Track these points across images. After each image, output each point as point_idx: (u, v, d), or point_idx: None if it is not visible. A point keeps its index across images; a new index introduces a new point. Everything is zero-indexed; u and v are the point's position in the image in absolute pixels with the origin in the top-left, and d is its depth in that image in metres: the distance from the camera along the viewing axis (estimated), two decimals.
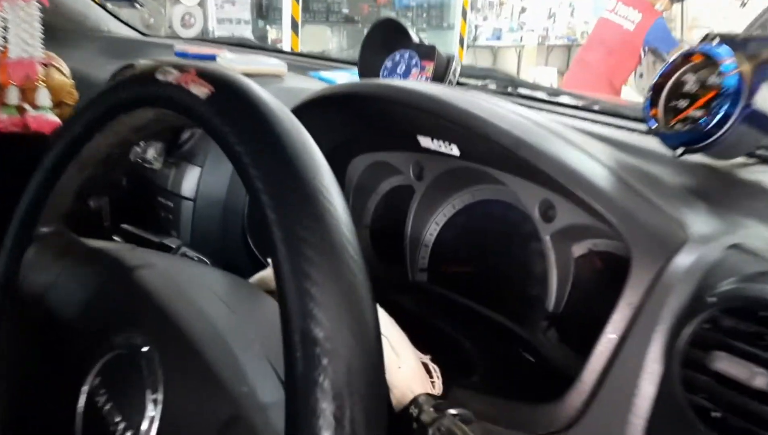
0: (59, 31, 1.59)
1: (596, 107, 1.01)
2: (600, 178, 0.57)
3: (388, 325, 0.60)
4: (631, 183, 0.57)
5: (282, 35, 4.67)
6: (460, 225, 0.86)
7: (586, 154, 0.60)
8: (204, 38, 3.71)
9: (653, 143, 0.77)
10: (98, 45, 1.53)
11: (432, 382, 0.61)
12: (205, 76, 0.47)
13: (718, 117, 0.65)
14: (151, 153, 0.89)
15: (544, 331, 0.75)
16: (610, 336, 0.52)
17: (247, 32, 4.53)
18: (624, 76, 4.16)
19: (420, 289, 0.86)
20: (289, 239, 0.39)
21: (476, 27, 7.18)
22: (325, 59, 1.49)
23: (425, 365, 0.62)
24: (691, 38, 5.28)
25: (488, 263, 0.82)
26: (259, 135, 0.43)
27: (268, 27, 5.05)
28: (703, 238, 0.54)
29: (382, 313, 0.58)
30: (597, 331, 0.70)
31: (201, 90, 0.46)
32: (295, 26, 4.59)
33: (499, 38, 7.36)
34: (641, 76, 4.37)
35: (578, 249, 0.74)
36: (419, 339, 0.69)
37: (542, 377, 0.73)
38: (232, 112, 0.44)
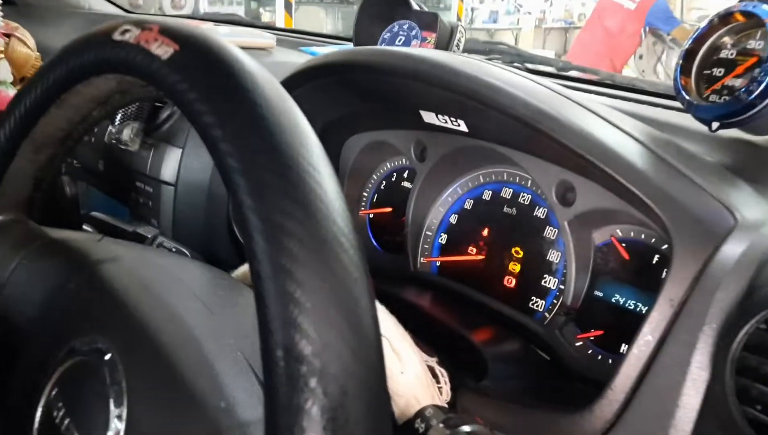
0: (35, 6, 1.50)
1: (612, 81, 0.93)
2: (632, 154, 0.49)
3: (388, 323, 0.53)
4: (667, 159, 0.50)
5: (275, 17, 4.56)
6: (468, 210, 0.79)
7: (615, 126, 0.52)
8: (192, 16, 3.61)
9: (682, 118, 0.69)
10: (76, 21, 1.44)
11: (439, 388, 0.54)
12: (169, 32, 0.39)
13: (761, 87, 0.57)
14: (127, 133, 0.81)
15: (561, 328, 0.67)
16: (647, 338, 0.45)
17: (239, 13, 4.43)
18: (625, 57, 4.08)
19: (423, 280, 0.79)
20: (268, 231, 0.31)
21: (472, 9, 7.07)
22: (318, 35, 1.40)
23: (431, 369, 0.54)
24: (691, 19, 5.19)
25: (499, 252, 0.74)
26: (232, 102, 0.35)
27: (261, 9, 4.94)
28: (754, 224, 0.47)
29: (381, 310, 0.51)
30: (622, 328, 0.64)
31: (163, 49, 0.38)
32: (288, 6, 4.49)
33: (495, 21, 7.26)
34: (641, 57, 4.29)
35: (599, 236, 0.67)
36: (423, 337, 0.62)
37: (561, 380, 0.66)
38: (199, 75, 0.36)
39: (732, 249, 0.45)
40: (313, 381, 0.29)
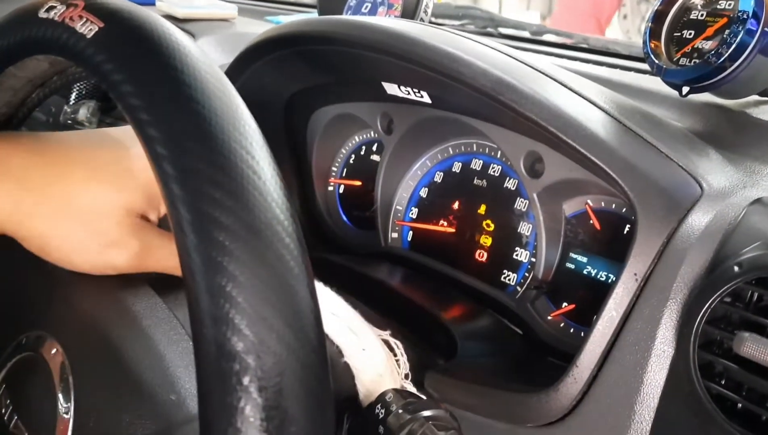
0: None
1: (587, 45, 0.90)
2: (596, 124, 0.47)
3: (338, 302, 0.51)
4: (633, 128, 0.48)
5: None
6: (438, 183, 0.77)
7: (579, 96, 0.50)
8: None
9: (653, 83, 0.67)
10: None
11: (396, 361, 0.53)
12: (94, 9, 0.36)
13: (731, 48, 0.55)
14: (83, 113, 0.78)
15: (533, 301, 0.66)
16: (611, 313, 0.44)
17: None
18: (610, 14, 4.00)
19: (394, 256, 0.77)
20: (197, 221, 0.29)
21: None
22: (283, 3, 1.35)
23: (386, 343, 0.53)
24: None
25: (470, 225, 0.73)
26: (159, 83, 0.32)
27: None
28: (720, 193, 0.45)
29: (329, 291, 0.50)
30: (593, 301, 0.63)
31: (88, 27, 0.36)
32: None
33: None
34: (625, 17, 4.22)
35: (570, 207, 0.65)
36: (390, 315, 0.61)
37: (533, 355, 0.65)
38: (125, 53, 0.33)
39: (697, 220, 0.43)
40: (246, 379, 0.27)
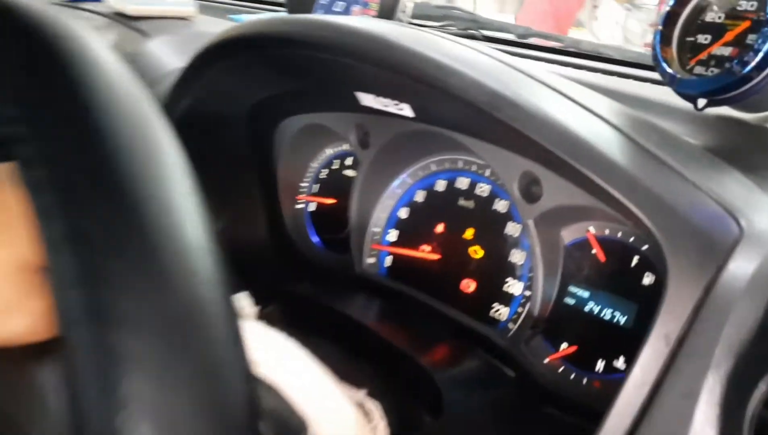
0: None
1: (577, 49, 0.83)
2: (612, 147, 0.39)
3: (301, 358, 0.43)
4: (655, 153, 0.40)
5: None
6: (419, 203, 0.68)
7: (590, 112, 0.42)
8: None
9: (659, 92, 0.60)
10: None
11: (373, 428, 0.45)
12: None
13: (759, 56, 0.48)
14: None
15: (528, 341, 0.58)
16: (636, 384, 0.36)
17: None
18: (570, 16, 3.90)
19: (370, 283, 0.69)
20: (83, 278, 0.21)
21: None
22: (248, 0, 1.26)
23: (360, 405, 0.45)
24: None
25: (455, 251, 0.65)
26: (40, 86, 0.23)
27: None
28: (764, 231, 0.37)
29: (291, 343, 0.42)
30: (598, 342, 0.55)
31: None
32: None
33: None
34: (595, 6, 4.10)
35: (569, 234, 0.57)
36: (366, 360, 0.52)
37: (529, 404, 0.57)
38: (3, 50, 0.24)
39: (741, 267, 0.35)
40: None
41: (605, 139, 0.41)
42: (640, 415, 0.36)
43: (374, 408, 0.46)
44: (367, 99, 0.58)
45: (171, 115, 0.70)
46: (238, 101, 0.70)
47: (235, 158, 0.75)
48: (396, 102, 0.56)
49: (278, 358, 0.44)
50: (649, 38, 1.59)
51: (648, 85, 0.66)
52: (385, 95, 0.56)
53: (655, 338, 0.36)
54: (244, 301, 0.50)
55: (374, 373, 0.52)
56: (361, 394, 0.47)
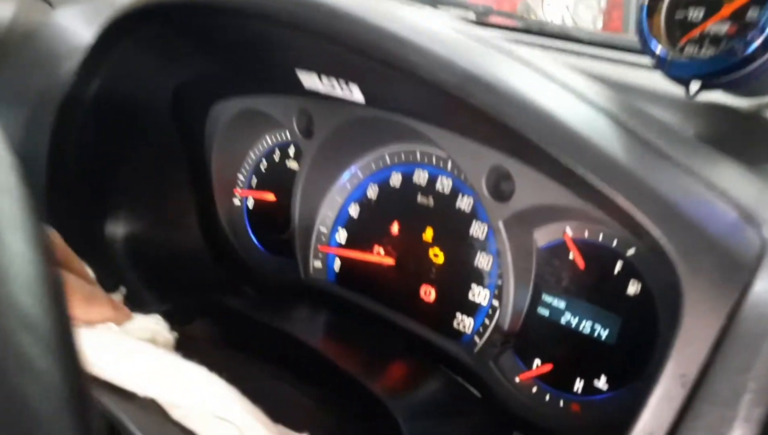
0: None
1: (543, 30, 0.76)
2: (611, 141, 0.32)
3: (230, 400, 0.35)
4: (656, 145, 0.33)
5: None
6: (372, 200, 0.60)
7: (576, 95, 0.35)
8: None
9: (641, 77, 0.53)
10: None
11: None
12: None
13: (764, 35, 0.41)
14: None
15: (496, 358, 0.51)
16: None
17: None
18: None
19: (317, 291, 0.60)
20: None
21: None
22: None
23: None
24: None
25: (413, 255, 0.57)
26: None
27: None
28: None
29: (219, 383, 0.36)
30: (576, 359, 0.49)
31: None
32: None
33: None
34: None
35: (543, 236, 0.50)
36: (304, 389, 0.44)
37: (496, 428, 0.50)
38: None
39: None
40: None
41: (600, 130, 0.33)
42: None
43: None
44: (310, 80, 0.50)
45: (81, 98, 0.60)
46: (158, 82, 0.60)
47: (160, 148, 0.65)
48: (344, 83, 0.47)
49: (194, 400, 0.35)
50: (600, 25, 1.55)
51: (623, 67, 0.59)
52: (331, 74, 0.47)
53: (668, 379, 0.29)
54: (157, 326, 0.41)
55: (318, 406, 0.43)
56: None
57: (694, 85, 0.46)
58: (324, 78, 0.48)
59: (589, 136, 0.32)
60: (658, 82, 0.48)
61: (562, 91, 0.35)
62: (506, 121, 0.32)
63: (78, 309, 0.37)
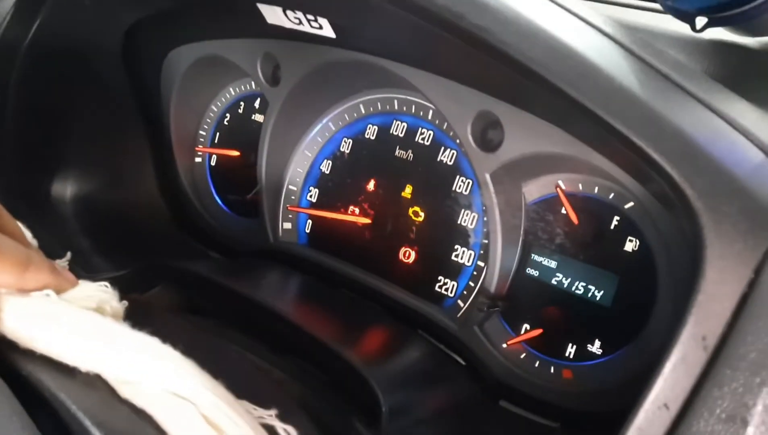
0: None
1: None
2: (617, 66, 0.28)
3: (189, 374, 0.31)
4: (674, 79, 0.28)
5: None
6: (346, 154, 0.56)
7: (581, 20, 0.30)
8: None
9: (655, 18, 0.49)
10: None
11: None
12: None
13: None
14: None
15: (482, 323, 0.47)
16: (659, 403, 0.25)
17: None
18: None
19: (287, 255, 0.56)
20: None
21: None
22: None
23: (268, 427, 0.34)
24: None
25: (391, 214, 0.53)
26: None
27: None
28: None
29: (173, 359, 0.31)
30: (568, 323, 0.45)
31: None
32: None
33: None
34: None
35: (533, 190, 0.46)
36: (273, 362, 0.40)
37: (481, 397, 0.46)
38: None
39: None
40: None
41: (610, 59, 0.29)
42: None
43: (288, 433, 0.34)
44: (273, 14, 0.44)
45: (17, 43, 0.54)
46: (106, 24, 0.54)
47: (112, 100, 0.60)
48: (311, 16, 0.42)
49: (144, 375, 0.31)
50: None
51: (621, 9, 0.55)
52: (297, 7, 0.42)
53: (687, 342, 0.25)
54: (105, 295, 0.36)
55: (288, 379, 0.39)
56: (269, 414, 0.35)
57: (700, 21, 0.42)
58: (289, 12, 0.43)
59: (599, 64, 0.28)
60: (667, 23, 0.44)
61: (566, 15, 0.30)
62: (502, 48, 0.28)
63: (8, 274, 0.32)
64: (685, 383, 0.25)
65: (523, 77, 0.29)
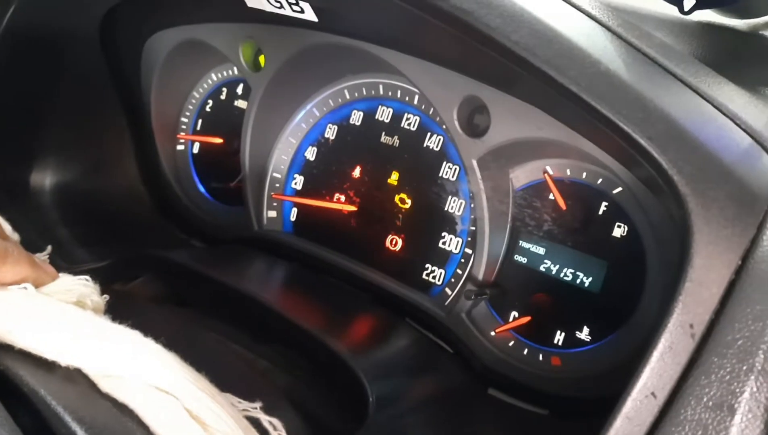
0: None
1: None
2: (604, 50, 0.27)
3: (168, 366, 0.30)
4: (662, 62, 0.28)
5: None
6: (331, 141, 0.55)
7: (567, 2, 0.30)
8: None
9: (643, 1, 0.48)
10: None
11: None
12: None
13: None
14: None
15: (469, 311, 0.47)
16: (646, 391, 0.25)
17: None
18: None
19: (272, 244, 0.55)
20: None
21: None
22: None
23: (254, 423, 0.33)
24: None
25: (377, 201, 0.52)
26: None
27: None
28: None
29: (163, 354, 0.31)
30: (557, 310, 0.45)
31: None
32: None
33: None
34: None
35: (520, 176, 0.46)
36: (258, 352, 0.40)
37: (469, 386, 0.46)
38: None
39: None
40: None
41: (596, 41, 0.28)
42: (651, 432, 0.25)
43: (273, 426, 0.34)
44: None
45: None
46: (83, 8, 0.52)
47: (91, 87, 0.59)
48: (293, 1, 0.41)
49: (125, 369, 0.30)
50: None
51: None
52: None
53: (674, 329, 0.25)
54: (86, 288, 0.35)
55: (274, 370, 0.39)
56: (254, 407, 0.34)
57: (688, 3, 0.41)
58: None
59: (585, 47, 0.27)
60: (655, 5, 0.43)
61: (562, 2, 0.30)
62: (486, 31, 0.27)
63: None
64: (672, 371, 0.25)
65: (508, 61, 0.28)
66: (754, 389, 0.24)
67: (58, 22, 0.53)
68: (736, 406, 0.24)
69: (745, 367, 0.24)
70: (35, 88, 0.55)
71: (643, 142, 0.26)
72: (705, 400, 0.25)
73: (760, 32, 0.45)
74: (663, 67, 0.29)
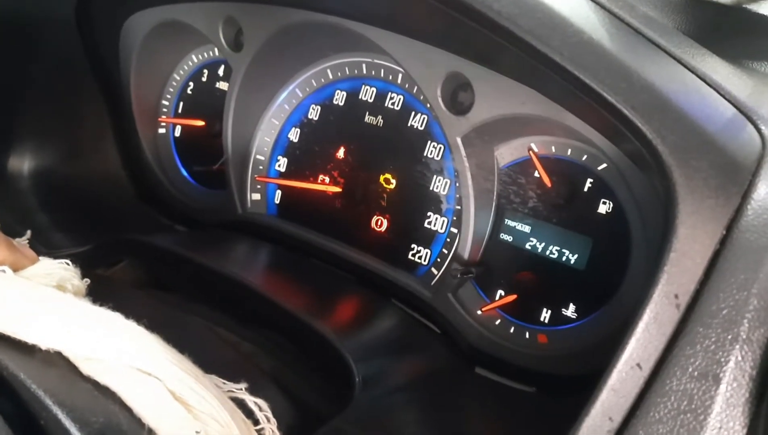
0: None
1: None
2: (587, 19, 0.27)
3: (151, 348, 0.30)
4: (645, 33, 0.28)
5: None
6: (314, 121, 0.54)
7: None
8: None
9: None
10: None
11: (259, 430, 0.33)
12: None
13: None
14: None
15: (455, 290, 0.47)
16: (632, 362, 0.25)
17: None
18: None
19: (256, 227, 0.55)
20: None
21: None
22: None
23: (240, 405, 0.33)
24: None
25: (362, 181, 0.52)
26: None
27: None
28: None
29: (147, 336, 0.31)
30: (543, 288, 0.45)
31: None
32: None
33: None
34: None
35: (505, 154, 0.46)
36: (242, 334, 0.39)
37: (455, 364, 0.46)
38: None
39: None
40: None
41: (580, 12, 0.28)
42: (637, 403, 0.25)
43: (259, 406, 0.34)
44: None
45: None
46: None
47: (68, 70, 0.57)
48: None
49: (107, 351, 0.30)
50: None
51: None
52: None
53: (659, 300, 0.25)
54: (66, 272, 0.35)
55: (259, 351, 0.38)
56: (239, 388, 0.34)
57: None
58: None
59: (568, 17, 0.27)
60: None
61: None
62: (469, 1, 0.26)
63: None
64: (657, 342, 0.25)
65: (490, 33, 0.28)
66: (739, 358, 0.24)
67: (33, 4, 0.52)
68: (721, 375, 0.24)
69: (729, 337, 0.24)
70: (10, 72, 0.54)
71: (626, 111, 0.26)
72: (690, 370, 0.25)
73: (744, 5, 0.45)
74: (647, 37, 0.29)
